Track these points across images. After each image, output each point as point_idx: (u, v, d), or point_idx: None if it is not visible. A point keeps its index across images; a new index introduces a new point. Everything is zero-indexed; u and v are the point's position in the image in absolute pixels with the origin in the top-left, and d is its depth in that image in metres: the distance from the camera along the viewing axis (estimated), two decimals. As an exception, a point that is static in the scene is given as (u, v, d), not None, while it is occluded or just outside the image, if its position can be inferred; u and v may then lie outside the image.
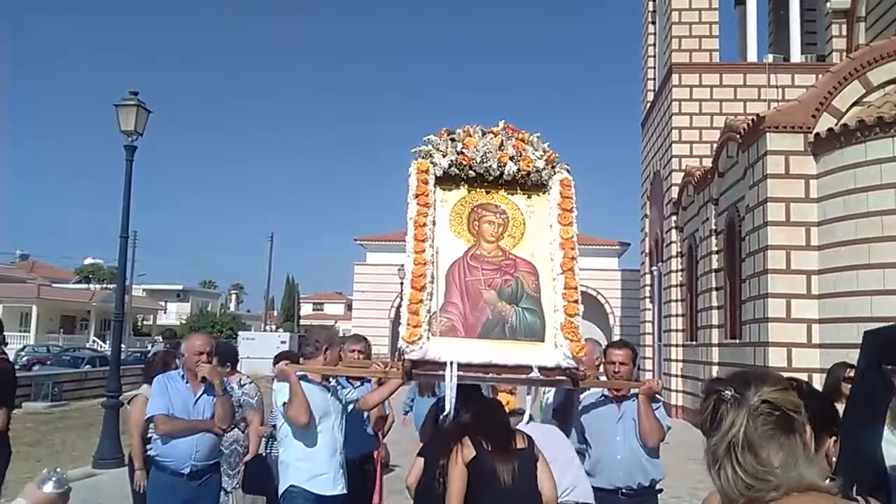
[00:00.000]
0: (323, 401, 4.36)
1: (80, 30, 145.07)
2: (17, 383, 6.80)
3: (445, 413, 3.74)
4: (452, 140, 4.25)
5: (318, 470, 4.25)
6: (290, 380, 4.19)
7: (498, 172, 4.22)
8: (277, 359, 5.35)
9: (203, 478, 4.76)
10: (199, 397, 4.80)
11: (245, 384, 6.16)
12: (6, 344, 7.69)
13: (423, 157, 4.21)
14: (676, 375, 18.53)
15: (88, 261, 78.28)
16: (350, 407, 4.68)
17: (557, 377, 3.82)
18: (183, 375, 4.85)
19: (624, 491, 4.35)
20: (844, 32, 18.65)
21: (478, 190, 4.29)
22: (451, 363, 3.64)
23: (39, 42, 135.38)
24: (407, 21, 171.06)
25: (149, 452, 4.96)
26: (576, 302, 3.88)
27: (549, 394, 4.89)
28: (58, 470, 2.10)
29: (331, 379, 4.55)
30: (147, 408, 4.84)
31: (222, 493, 5.79)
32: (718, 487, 1.41)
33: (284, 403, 4.20)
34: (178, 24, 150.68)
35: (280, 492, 4.32)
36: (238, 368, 6.56)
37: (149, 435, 5.36)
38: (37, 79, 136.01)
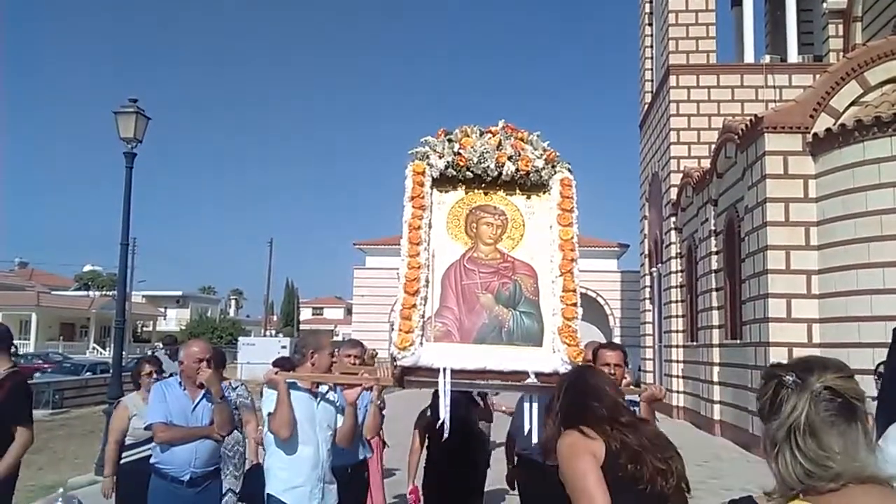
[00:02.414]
0: (308, 410, 4.20)
1: (78, 37, 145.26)
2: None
3: (441, 421, 3.69)
4: (449, 141, 4.15)
5: (296, 481, 4.11)
6: (278, 389, 4.07)
7: (496, 173, 4.12)
8: (273, 366, 5.33)
9: (203, 484, 4.72)
10: (197, 404, 4.76)
11: (237, 387, 6.19)
12: (17, 354, 7.62)
13: (419, 159, 4.12)
14: (677, 376, 18.53)
15: (87, 268, 78.37)
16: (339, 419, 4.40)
17: (555, 383, 3.71)
18: (181, 382, 4.80)
19: None
20: (841, 32, 18.69)
21: (476, 191, 4.19)
22: (445, 369, 3.55)
23: (38, 49, 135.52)
24: (406, 24, 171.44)
25: (150, 460, 4.88)
26: (574, 305, 3.77)
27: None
28: (65, 492, 2.09)
29: (322, 387, 4.38)
30: (146, 415, 4.79)
31: (230, 493, 5.80)
32: (776, 474, 1.38)
33: (269, 414, 4.10)
34: (177, 30, 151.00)
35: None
36: (224, 373, 6.56)
37: (127, 442, 5.33)
38: (36, 86, 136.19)
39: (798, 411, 1.36)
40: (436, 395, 4.18)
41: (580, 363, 3.66)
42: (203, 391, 4.78)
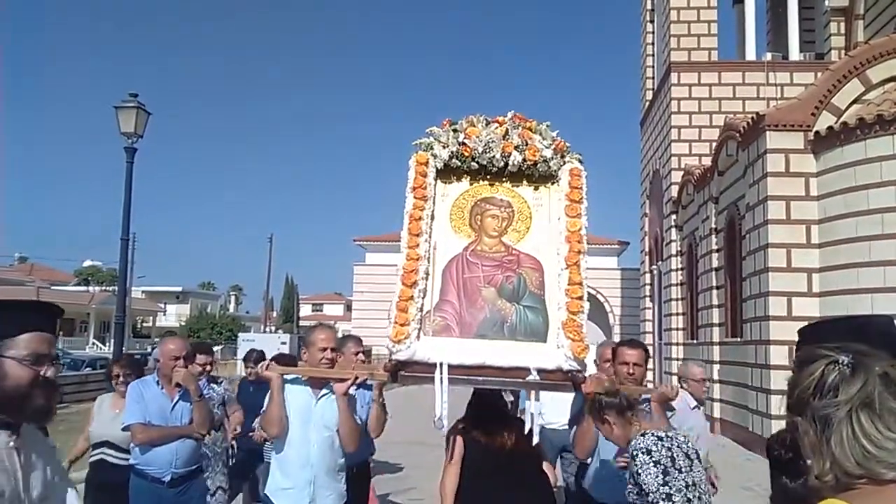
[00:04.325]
0: (303, 408, 3.97)
1: (78, 32, 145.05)
2: None
3: (438, 417, 3.64)
4: (455, 131, 4.03)
5: (285, 483, 3.94)
6: (271, 385, 3.92)
7: (502, 163, 3.98)
8: (273, 359, 5.29)
9: (184, 484, 4.63)
10: (175, 403, 4.65)
11: (221, 381, 6.18)
12: None
13: (423, 150, 4.00)
14: (677, 374, 18.48)
15: (87, 263, 78.22)
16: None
17: (558, 381, 3.56)
18: (158, 381, 4.69)
19: None
20: (843, 30, 18.63)
21: (481, 183, 4.06)
22: (442, 364, 3.45)
23: (38, 44, 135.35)
24: (408, 20, 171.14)
25: (129, 461, 4.80)
26: (580, 298, 3.60)
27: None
28: None
29: (329, 384, 4.06)
30: (123, 416, 4.68)
31: (219, 491, 5.77)
32: (820, 464, 1.30)
33: (263, 411, 3.97)
34: (177, 25, 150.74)
35: None
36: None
37: (92, 441, 5.24)
38: (36, 81, 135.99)
39: (870, 387, 1.29)
40: (474, 397, 4.10)
41: (584, 360, 3.58)
42: (181, 390, 4.66)
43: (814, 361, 1.38)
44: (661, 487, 3.07)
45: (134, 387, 4.72)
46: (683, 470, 3.15)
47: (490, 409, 4.04)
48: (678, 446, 3.24)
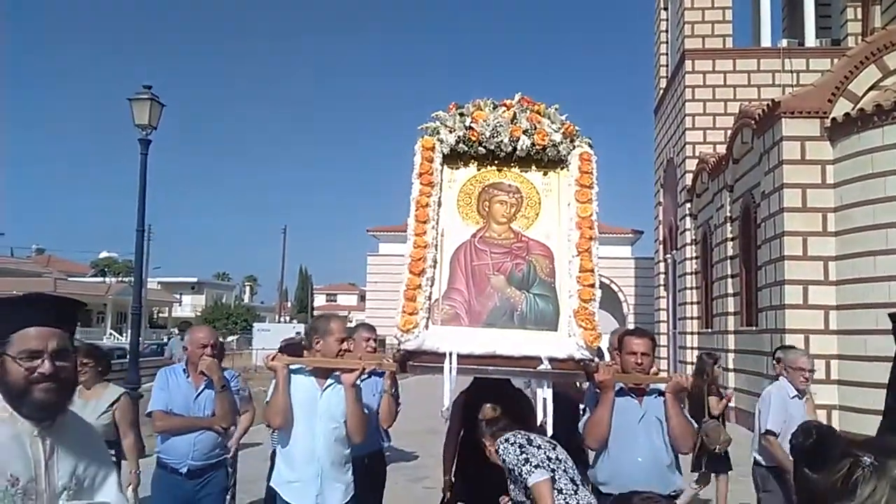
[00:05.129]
0: (308, 400, 3.87)
1: (93, 24, 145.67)
2: None
3: (445, 407, 3.57)
4: (461, 115, 3.93)
5: (291, 476, 3.86)
6: (276, 375, 3.83)
7: (510, 148, 3.88)
8: (281, 348, 5.25)
9: (203, 477, 4.55)
10: (200, 393, 4.58)
11: (231, 377, 6.14)
12: None
13: (429, 134, 3.91)
14: (691, 363, 18.41)
15: (103, 254, 78.84)
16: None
17: (570, 370, 3.49)
18: (185, 369, 4.65)
19: None
20: (860, 16, 18.39)
21: (489, 168, 3.97)
22: (450, 354, 3.39)
23: (52, 37, 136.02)
24: (419, 10, 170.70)
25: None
26: (591, 286, 3.53)
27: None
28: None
29: (331, 377, 3.97)
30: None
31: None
32: None
33: (267, 402, 3.91)
34: (192, 13, 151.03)
35: None
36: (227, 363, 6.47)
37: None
38: (50, 73, 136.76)
39: (878, 496, 1.34)
40: (474, 385, 4.07)
41: (597, 348, 3.52)
42: (207, 380, 4.60)
43: (842, 457, 1.46)
44: (520, 457, 3.45)
45: (161, 374, 4.71)
46: (543, 447, 3.50)
47: (491, 387, 4.08)
48: (537, 437, 3.63)
